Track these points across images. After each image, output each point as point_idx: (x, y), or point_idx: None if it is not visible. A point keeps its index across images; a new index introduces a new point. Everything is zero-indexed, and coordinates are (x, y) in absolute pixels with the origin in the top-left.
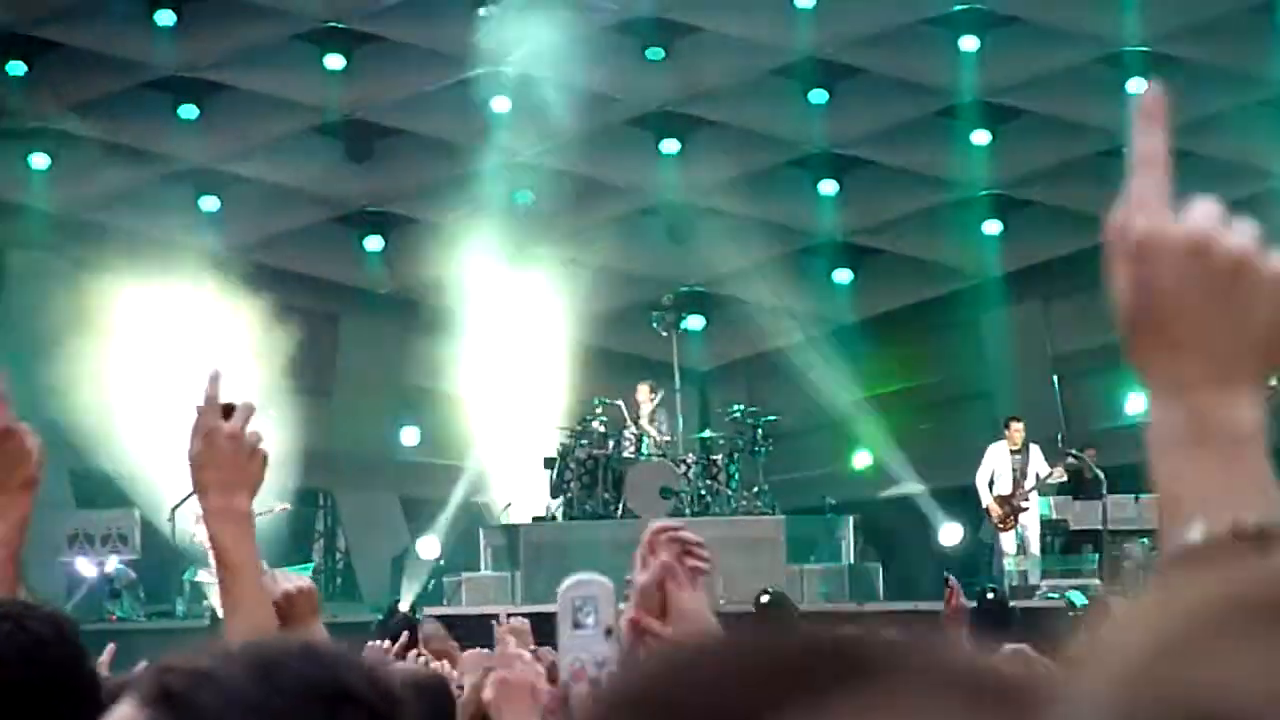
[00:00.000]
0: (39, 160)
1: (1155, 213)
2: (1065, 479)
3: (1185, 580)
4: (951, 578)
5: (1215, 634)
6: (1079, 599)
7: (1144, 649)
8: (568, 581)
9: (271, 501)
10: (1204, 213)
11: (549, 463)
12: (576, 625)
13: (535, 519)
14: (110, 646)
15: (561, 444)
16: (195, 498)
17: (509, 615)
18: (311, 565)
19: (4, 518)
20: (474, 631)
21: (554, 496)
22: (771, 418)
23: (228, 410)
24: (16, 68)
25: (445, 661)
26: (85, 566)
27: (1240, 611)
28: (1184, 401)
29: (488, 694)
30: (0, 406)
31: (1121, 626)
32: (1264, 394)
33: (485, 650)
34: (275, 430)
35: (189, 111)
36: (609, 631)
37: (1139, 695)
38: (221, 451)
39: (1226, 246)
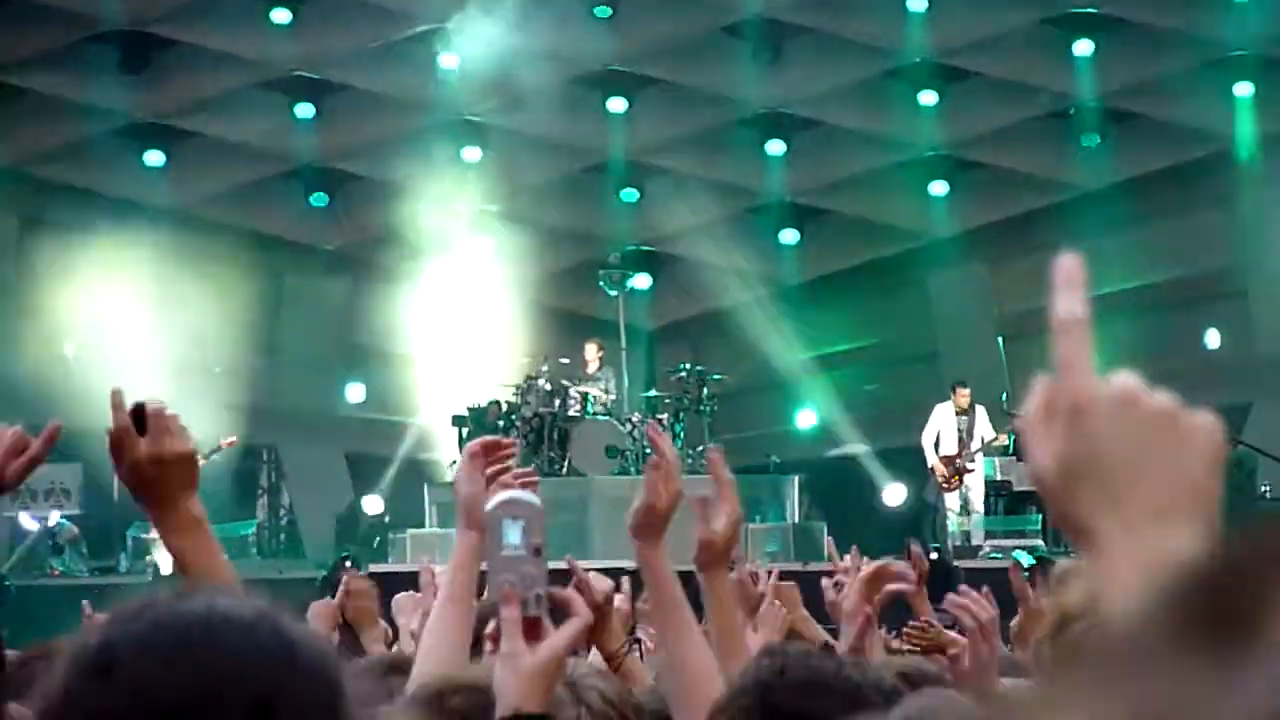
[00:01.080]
0: None
1: (1083, 374)
2: (1008, 445)
3: None
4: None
5: None
6: (1026, 559)
7: None
8: (495, 499)
9: (215, 440)
10: (1128, 377)
11: (458, 420)
12: (504, 546)
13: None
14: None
15: (507, 402)
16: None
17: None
18: (255, 522)
19: None
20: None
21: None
22: (717, 377)
23: (138, 418)
24: None
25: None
26: (27, 521)
27: None
28: (1132, 541)
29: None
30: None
31: None
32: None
33: (414, 593)
34: (221, 385)
35: (136, 66)
36: (537, 552)
37: None
38: (147, 471)
39: (1153, 401)
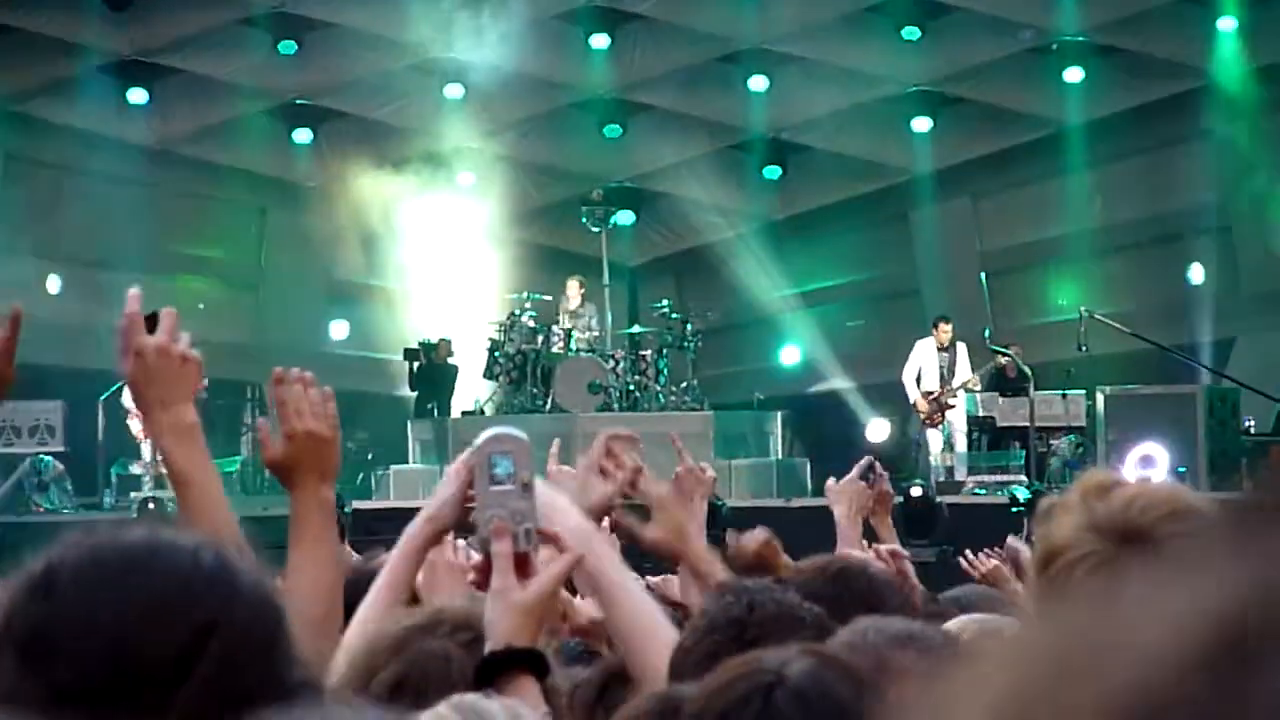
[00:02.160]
0: None
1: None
2: (979, 387)
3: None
4: (876, 464)
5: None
6: (1023, 494)
7: None
8: (484, 435)
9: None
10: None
11: (409, 354)
12: (494, 481)
13: (464, 413)
14: None
15: (490, 339)
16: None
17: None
18: (240, 459)
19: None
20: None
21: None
22: (701, 314)
23: (151, 321)
24: None
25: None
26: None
27: None
28: None
29: (418, 578)
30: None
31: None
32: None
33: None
34: (204, 321)
35: (119, 3)
36: (526, 486)
37: None
38: (154, 368)
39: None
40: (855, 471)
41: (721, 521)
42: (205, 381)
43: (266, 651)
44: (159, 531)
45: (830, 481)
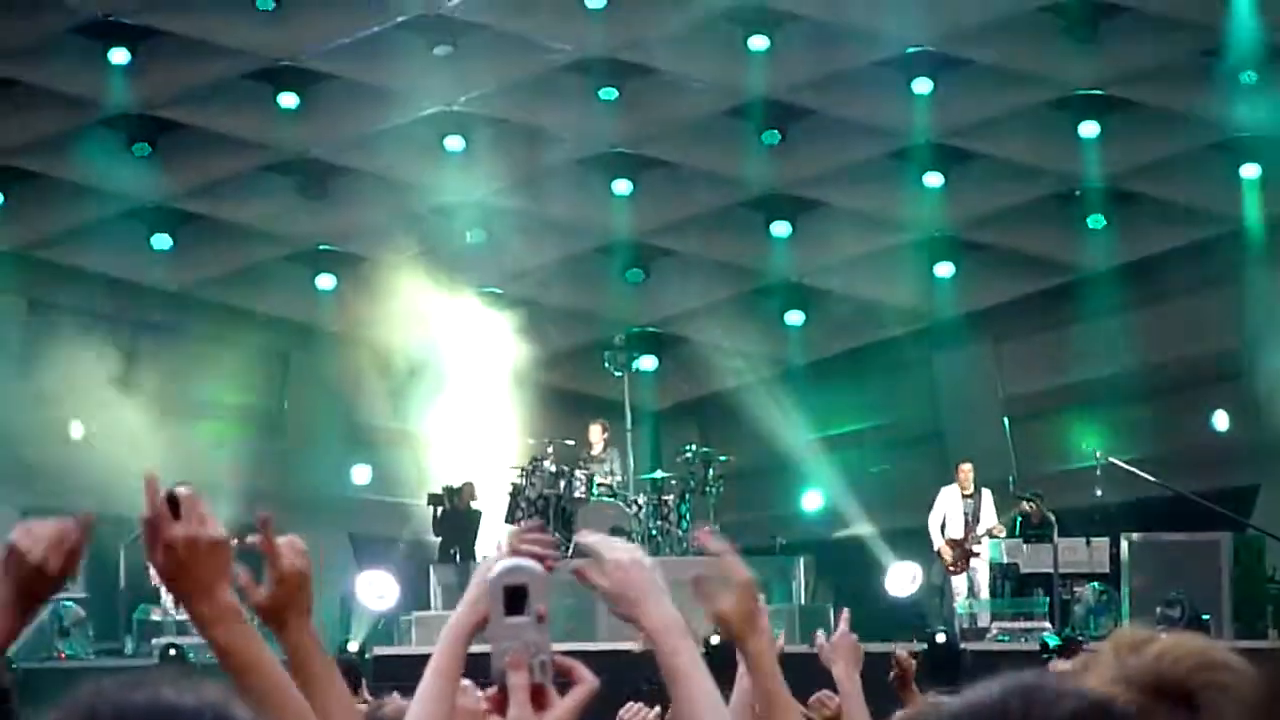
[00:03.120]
0: None
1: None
2: (1003, 534)
3: None
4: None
5: None
6: (1052, 640)
7: None
8: (497, 568)
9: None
10: None
11: (433, 499)
12: (509, 613)
13: (486, 557)
14: None
15: (513, 483)
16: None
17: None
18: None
19: (8, 621)
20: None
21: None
22: (723, 458)
23: (173, 504)
24: None
25: None
26: None
27: None
28: None
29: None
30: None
31: None
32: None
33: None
34: (227, 467)
35: (142, 149)
36: (540, 618)
37: None
38: (184, 559)
39: None
40: (843, 625)
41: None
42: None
43: None
44: (162, 691)
45: (820, 638)
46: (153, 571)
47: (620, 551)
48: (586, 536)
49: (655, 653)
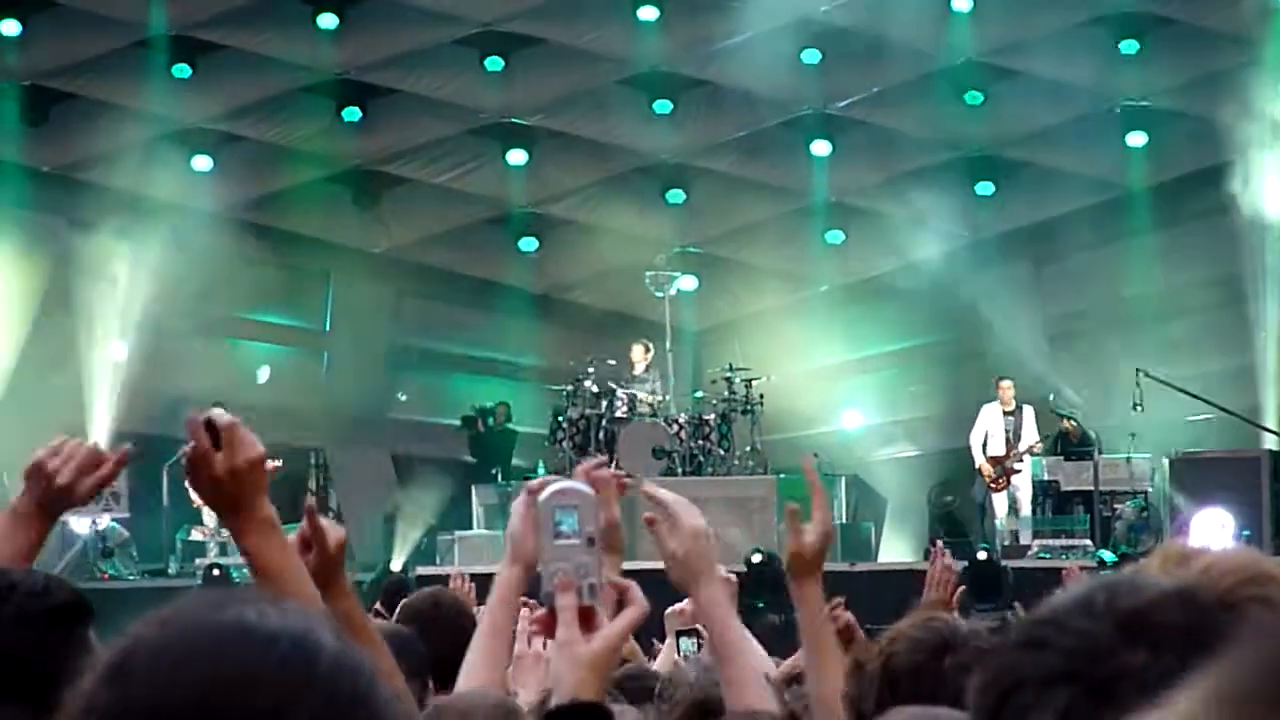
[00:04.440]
0: (30, 119)
1: None
2: (1041, 450)
3: None
4: (939, 544)
5: None
6: (1109, 557)
7: None
8: (548, 490)
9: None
10: None
11: (466, 421)
12: (558, 535)
13: (526, 477)
14: None
15: (554, 404)
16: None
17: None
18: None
19: (27, 532)
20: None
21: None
22: (763, 378)
23: (213, 433)
24: (10, 27)
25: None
26: (78, 525)
27: None
28: None
29: (508, 672)
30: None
31: None
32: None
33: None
34: (269, 387)
35: (181, 70)
36: (591, 540)
37: None
38: (223, 483)
39: None
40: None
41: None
42: (280, 461)
43: None
44: (245, 611)
45: (944, 556)
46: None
47: (697, 519)
48: (656, 491)
49: (705, 624)
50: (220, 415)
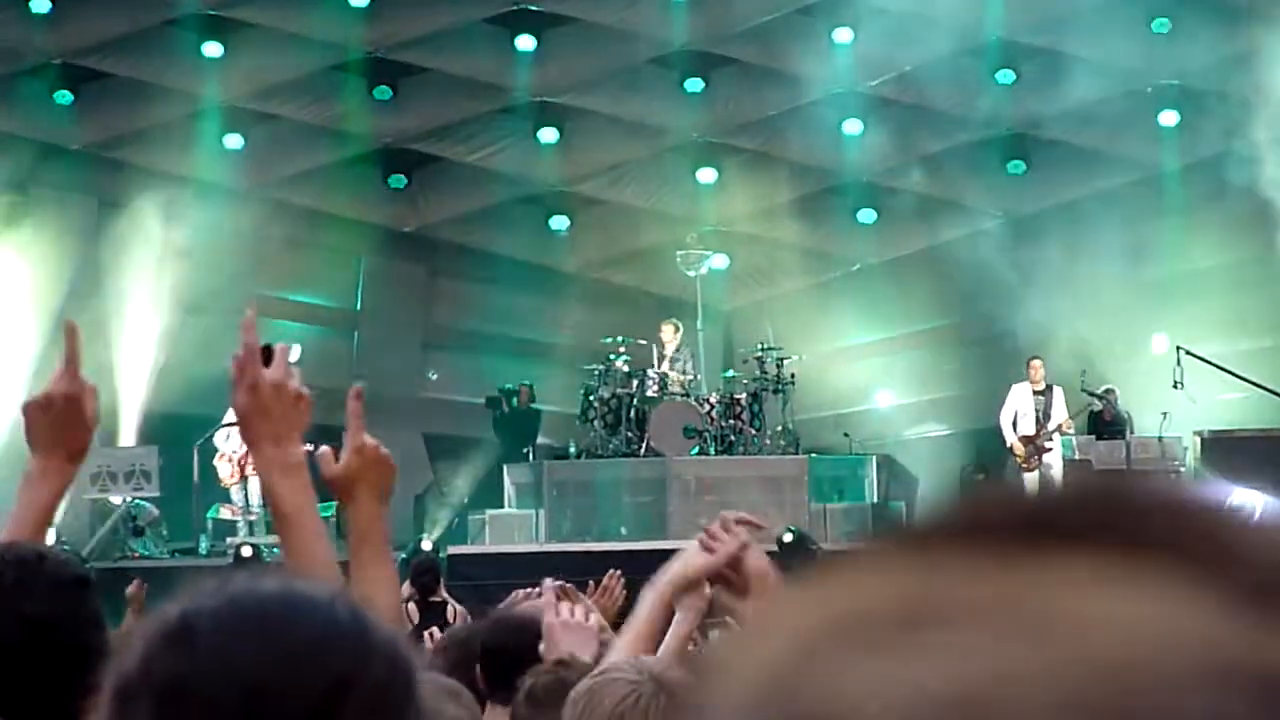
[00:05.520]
0: (64, 98)
1: None
2: (1073, 429)
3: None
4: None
5: (837, 648)
6: None
7: (769, 664)
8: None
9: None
10: None
11: (491, 402)
12: None
13: (558, 456)
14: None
15: (585, 384)
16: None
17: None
18: (334, 503)
19: (46, 483)
20: (499, 569)
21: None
22: (795, 357)
23: (266, 355)
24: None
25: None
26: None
27: (863, 624)
28: None
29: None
30: (71, 368)
31: (748, 637)
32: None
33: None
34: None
35: (213, 49)
36: None
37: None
38: (267, 402)
39: None
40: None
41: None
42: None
43: (400, 708)
44: (294, 583)
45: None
46: (220, 466)
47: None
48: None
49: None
50: (281, 345)
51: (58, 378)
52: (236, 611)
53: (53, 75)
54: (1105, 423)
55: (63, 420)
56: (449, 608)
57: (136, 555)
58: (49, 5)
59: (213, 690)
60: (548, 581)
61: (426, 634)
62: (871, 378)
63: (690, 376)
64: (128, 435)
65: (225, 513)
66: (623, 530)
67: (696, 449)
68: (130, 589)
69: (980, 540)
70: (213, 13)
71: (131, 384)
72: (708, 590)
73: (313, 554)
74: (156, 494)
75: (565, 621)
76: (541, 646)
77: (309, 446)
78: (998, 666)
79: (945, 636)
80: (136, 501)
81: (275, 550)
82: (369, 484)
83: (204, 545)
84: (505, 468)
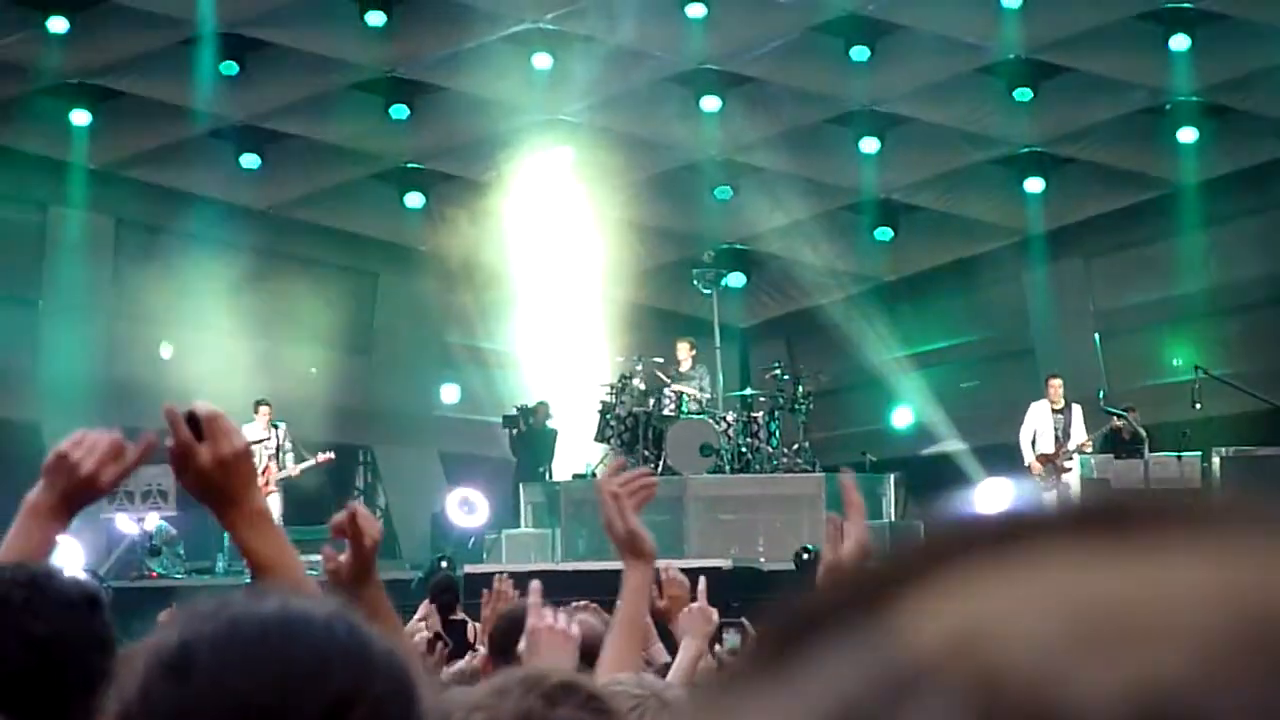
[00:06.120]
0: (79, 117)
1: None
2: (1094, 449)
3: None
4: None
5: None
6: None
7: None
8: None
9: (312, 454)
10: None
11: (508, 421)
12: None
13: (575, 476)
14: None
15: (602, 401)
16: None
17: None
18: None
19: (51, 524)
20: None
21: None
22: (811, 375)
23: (194, 425)
24: (58, 24)
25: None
26: (125, 523)
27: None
28: None
29: (522, 645)
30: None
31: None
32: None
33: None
34: (317, 386)
35: (229, 68)
36: None
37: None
38: (210, 475)
39: None
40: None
41: None
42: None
43: None
44: (290, 601)
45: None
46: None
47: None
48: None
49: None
50: (202, 406)
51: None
52: (235, 636)
53: (70, 94)
54: (1124, 442)
55: (85, 475)
56: (469, 626)
57: (154, 574)
58: (67, 25)
59: (214, 717)
60: (535, 583)
61: (445, 652)
62: (889, 396)
63: (707, 395)
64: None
65: None
66: None
67: (713, 467)
68: (162, 617)
69: (1156, 531)
70: (230, 32)
71: (148, 404)
72: (715, 617)
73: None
74: (173, 513)
75: (550, 627)
76: (521, 645)
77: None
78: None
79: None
80: (160, 524)
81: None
82: (371, 575)
83: (221, 565)
84: (521, 486)
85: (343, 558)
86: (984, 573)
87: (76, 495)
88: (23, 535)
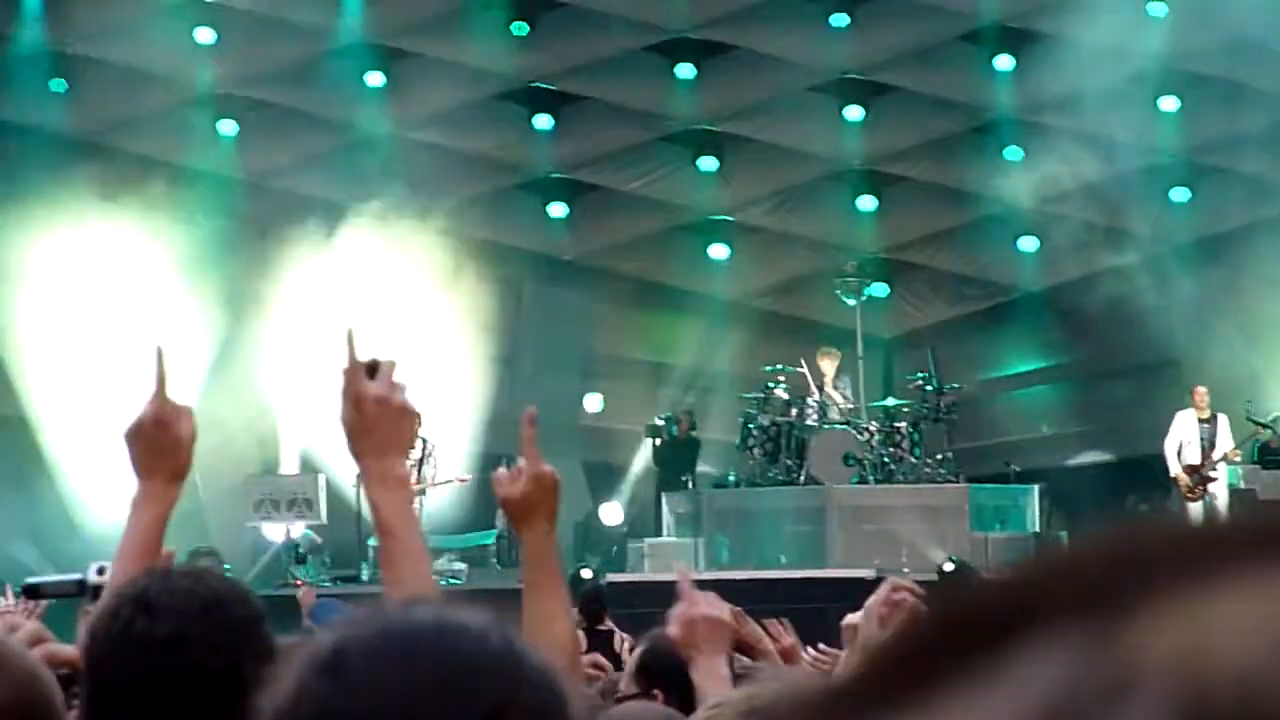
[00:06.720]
0: (225, 126)
1: None
2: (1241, 459)
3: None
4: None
5: None
6: None
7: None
8: None
9: (454, 472)
10: None
11: (651, 431)
12: None
13: (718, 485)
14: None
15: (745, 411)
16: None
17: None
18: (495, 532)
19: (149, 507)
20: (657, 598)
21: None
22: (955, 385)
23: (371, 369)
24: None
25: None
26: (271, 531)
27: None
28: None
29: (674, 631)
30: (160, 391)
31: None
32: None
33: None
34: (459, 397)
35: (377, 78)
36: None
37: None
38: (371, 416)
39: None
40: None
41: None
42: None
43: None
44: (445, 611)
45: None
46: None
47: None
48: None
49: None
50: (386, 360)
51: (148, 402)
52: (388, 641)
53: (213, 104)
54: (1272, 452)
55: (156, 444)
56: (615, 636)
57: (300, 583)
58: (214, 35)
59: None
60: (681, 565)
61: (592, 663)
62: (1033, 406)
63: (850, 404)
64: (289, 463)
65: None
66: (782, 559)
67: (856, 477)
68: (300, 594)
69: None
70: (376, 43)
71: (291, 413)
72: (730, 622)
73: (411, 568)
74: (319, 521)
75: (705, 615)
76: (672, 629)
77: (467, 477)
78: None
79: None
80: (305, 531)
81: (440, 578)
82: (545, 510)
83: (365, 573)
84: (664, 496)
85: (518, 484)
86: (1208, 589)
87: (175, 455)
88: (131, 529)
